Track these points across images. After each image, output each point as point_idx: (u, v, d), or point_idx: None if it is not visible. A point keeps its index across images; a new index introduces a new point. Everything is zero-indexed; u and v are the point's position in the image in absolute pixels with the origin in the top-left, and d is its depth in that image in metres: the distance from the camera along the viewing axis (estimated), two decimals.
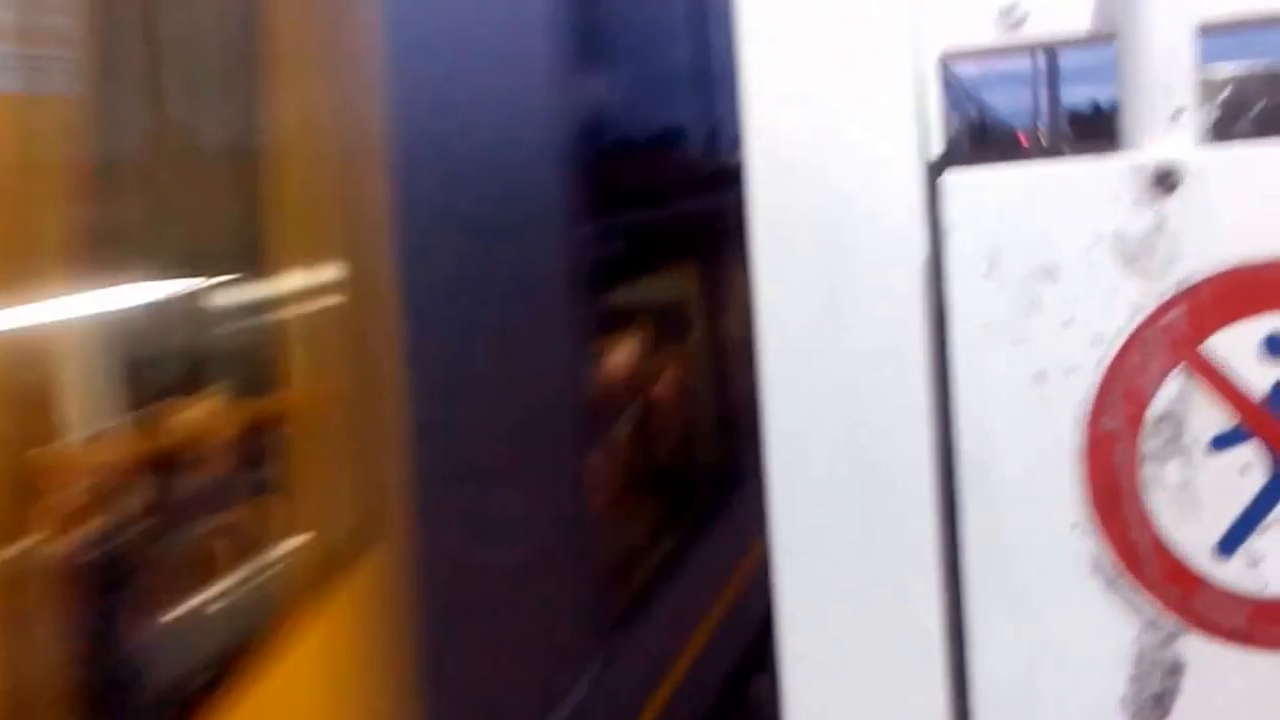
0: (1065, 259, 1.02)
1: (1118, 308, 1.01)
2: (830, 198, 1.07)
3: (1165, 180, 0.99)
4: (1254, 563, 1.02)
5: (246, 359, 2.24)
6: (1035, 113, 17.19)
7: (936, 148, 1.07)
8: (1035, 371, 1.03)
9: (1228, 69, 1.10)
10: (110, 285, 1.99)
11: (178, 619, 2.03)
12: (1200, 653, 1.04)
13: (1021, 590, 1.06)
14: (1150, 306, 1.01)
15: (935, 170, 1.05)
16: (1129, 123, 1.02)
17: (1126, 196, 1.00)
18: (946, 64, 1.09)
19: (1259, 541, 1.02)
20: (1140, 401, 1.02)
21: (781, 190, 1.08)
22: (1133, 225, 1.00)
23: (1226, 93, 1.09)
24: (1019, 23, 1.05)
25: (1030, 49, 1.10)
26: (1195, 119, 1.00)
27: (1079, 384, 1.03)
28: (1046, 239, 1.02)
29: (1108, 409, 1.03)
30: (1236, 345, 1.00)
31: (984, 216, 1.03)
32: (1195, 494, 1.02)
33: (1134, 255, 1.01)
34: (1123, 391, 1.02)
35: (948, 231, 1.03)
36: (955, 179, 1.03)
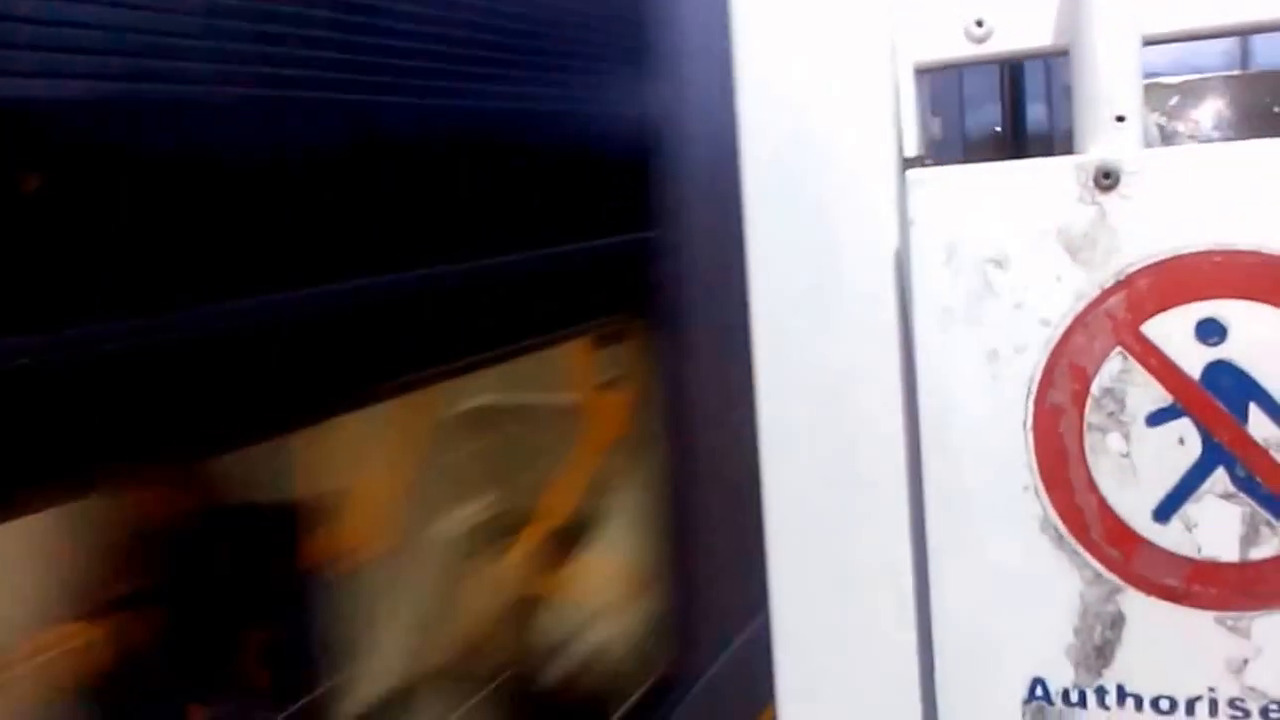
0: (1015, 249, 1.13)
1: (1063, 294, 1.12)
2: (816, 192, 1.21)
3: (1106, 179, 1.10)
4: (1189, 528, 1.12)
5: None
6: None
7: (911, 149, 1.19)
8: (988, 350, 1.15)
9: (1175, 79, 1.16)
10: None
11: None
12: (1139, 608, 1.14)
13: (979, 546, 1.18)
14: (1092, 293, 1.12)
15: (908, 169, 1.18)
16: (1077, 127, 1.13)
17: (1071, 194, 1.11)
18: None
19: (1193, 509, 1.12)
20: (1084, 379, 1.13)
21: (773, 185, 1.22)
22: (1076, 220, 1.11)
23: (1174, 99, 1.15)
24: (985, 38, 1.17)
25: (995, 61, 1.21)
26: (1136, 125, 1.11)
27: (1028, 362, 1.14)
28: (999, 231, 1.14)
29: (1054, 385, 1.14)
30: (1171, 329, 1.10)
31: (943, 210, 1.15)
32: (1135, 464, 1.13)
33: (1078, 247, 1.12)
34: (1068, 369, 1.13)
35: (911, 223, 1.16)
36: (917, 176, 1.15)
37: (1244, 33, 1.15)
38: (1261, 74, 1.24)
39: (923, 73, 1.20)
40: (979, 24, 1.17)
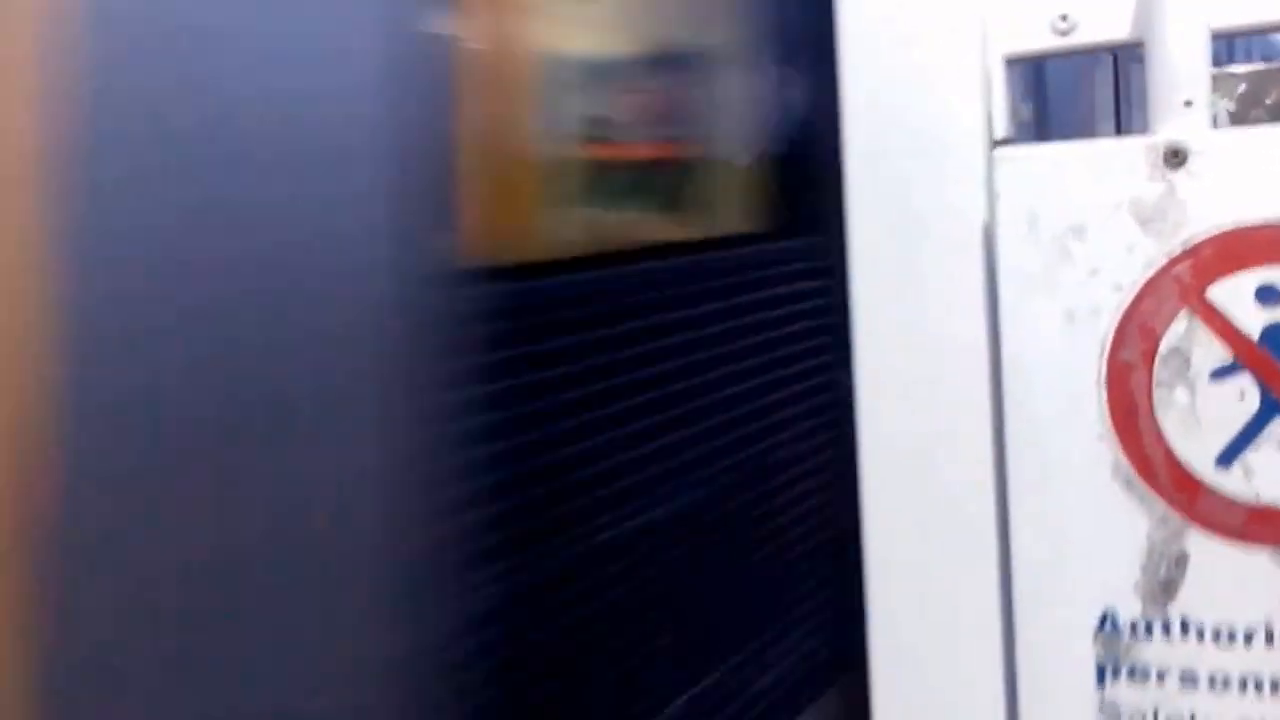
0: (1091, 221, 1.26)
1: (1134, 262, 1.25)
2: (913, 170, 1.34)
3: (1174, 158, 1.22)
4: (1248, 474, 1.24)
5: None
6: None
7: (1000, 131, 1.32)
8: (1066, 313, 1.28)
9: (1244, 69, 1.24)
10: None
11: None
12: (1202, 547, 1.26)
13: (1056, 491, 1.30)
14: (1161, 261, 1.24)
15: (997, 148, 1.31)
16: (1150, 110, 1.25)
17: (1143, 171, 1.24)
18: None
19: (1251, 457, 1.23)
20: (1153, 339, 1.25)
21: (873, 165, 1.35)
22: (1147, 194, 1.24)
23: (1242, 87, 1.23)
24: (1069, 31, 1.30)
25: (1077, 53, 1.33)
26: (1203, 109, 1.23)
27: (1102, 323, 1.26)
28: (1077, 204, 1.26)
29: (1126, 344, 1.26)
30: (1233, 294, 1.22)
31: (1026, 185, 1.28)
32: (1199, 416, 1.24)
33: (1148, 219, 1.24)
34: (1138, 330, 1.25)
35: (997, 196, 1.29)
36: (1004, 154, 1.29)
37: None
38: None
39: (1012, 62, 1.33)
40: (1063, 18, 1.30)
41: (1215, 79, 1.28)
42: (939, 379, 1.35)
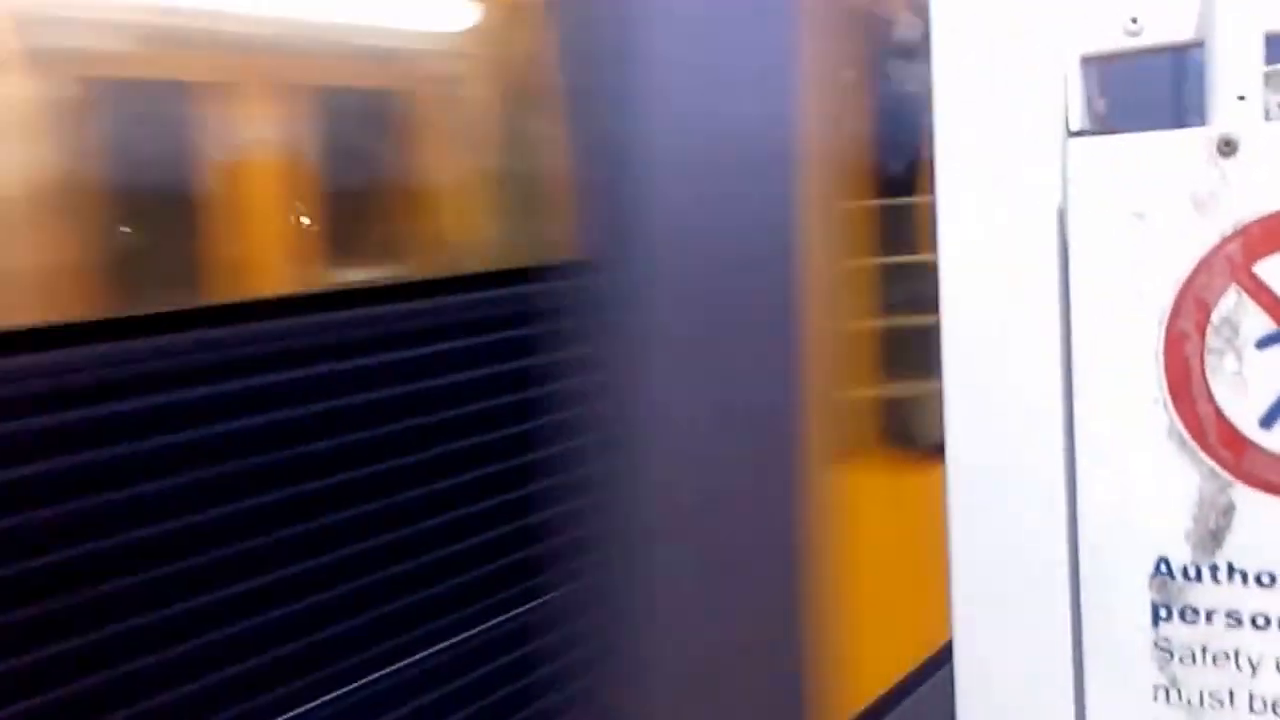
0: (1153, 204, 1.40)
1: (1191, 241, 1.38)
2: (996, 158, 1.50)
3: (1227, 147, 1.36)
4: None
5: None
6: None
7: (1075, 124, 1.47)
8: (1130, 288, 1.42)
9: None
10: None
11: None
12: (1247, 499, 1.39)
13: (1118, 447, 1.45)
14: (1214, 240, 1.37)
15: (1072, 139, 1.46)
16: (1207, 105, 1.38)
17: (1199, 159, 1.37)
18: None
19: None
20: (1206, 310, 1.39)
21: (961, 154, 1.51)
22: (1203, 180, 1.37)
23: None
24: (1139, 33, 1.44)
25: (1146, 53, 1.46)
26: (1255, 103, 1.36)
27: (1161, 297, 1.40)
28: (1140, 189, 1.40)
29: (1182, 315, 1.40)
30: (1278, 269, 1.35)
31: (1096, 172, 1.42)
32: (1246, 380, 1.38)
33: (1203, 202, 1.37)
34: (1193, 302, 1.39)
35: (1070, 182, 1.44)
36: (1075, 144, 1.43)
37: None
38: None
39: (1087, 61, 1.47)
40: (1134, 21, 1.44)
41: (1268, 75, 1.41)
42: (1019, 344, 1.50)
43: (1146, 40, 1.44)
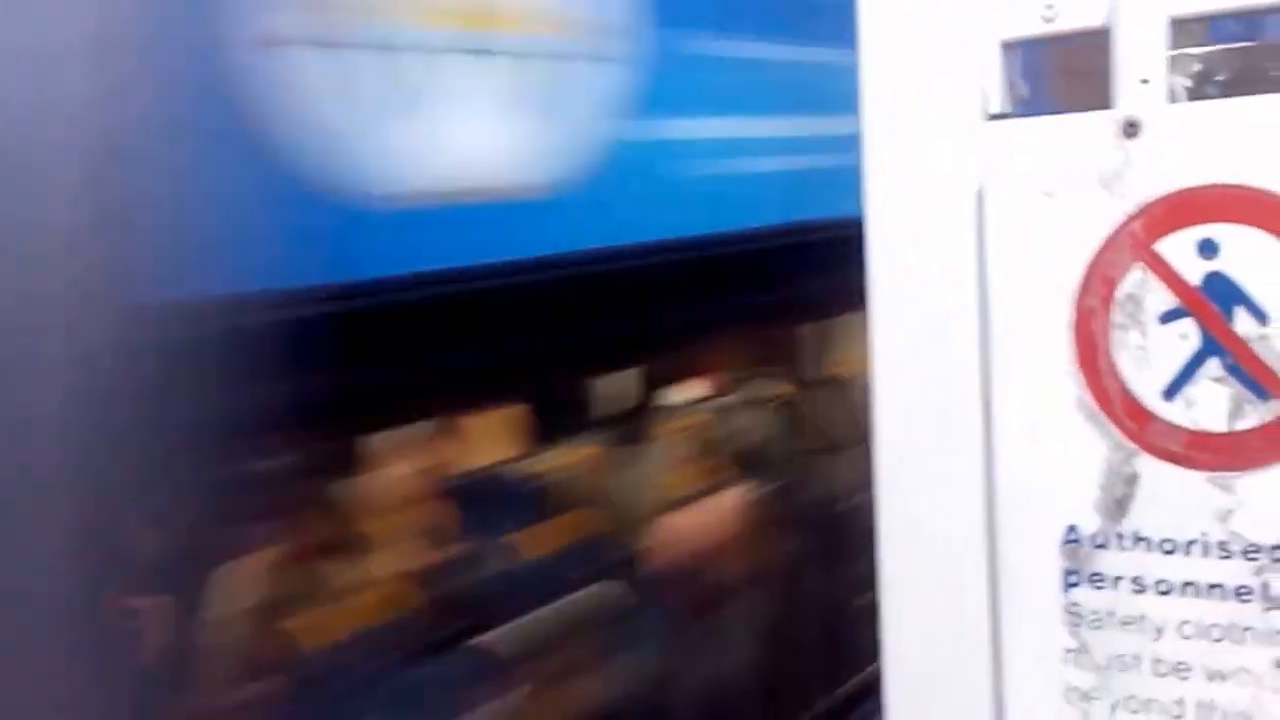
0: (1062, 184, 1.45)
1: (1097, 219, 1.44)
2: (921, 138, 1.55)
3: (1131, 129, 1.41)
4: (1188, 405, 1.42)
5: None
6: None
7: (995, 107, 1.53)
8: (1040, 264, 1.48)
9: (1199, 50, 1.35)
10: None
11: None
12: (1150, 469, 1.44)
13: (1031, 418, 1.50)
14: (1119, 219, 1.43)
15: (991, 121, 1.52)
16: (1114, 89, 1.44)
17: (1105, 140, 1.43)
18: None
19: (1192, 390, 1.41)
20: (1111, 286, 1.44)
21: (888, 134, 1.57)
22: (1108, 161, 1.43)
23: (1198, 67, 1.34)
24: (1053, 19, 1.49)
25: (1060, 37, 1.51)
26: (1158, 87, 1.41)
27: (1070, 273, 1.46)
28: (1050, 169, 1.46)
29: (1089, 291, 1.45)
30: (1178, 247, 1.40)
31: (1010, 153, 1.48)
32: (1149, 354, 1.43)
33: (1108, 182, 1.43)
34: (1099, 279, 1.45)
35: (985, 163, 1.49)
36: (990, 127, 1.49)
37: (1259, 12, 1.42)
38: (1265, 45, 1.50)
39: (1007, 46, 1.53)
40: (1049, 7, 1.49)
41: (1174, 59, 1.46)
42: (939, 318, 1.56)
43: (1061, 26, 1.49)
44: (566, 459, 3.62)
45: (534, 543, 3.44)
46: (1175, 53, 1.45)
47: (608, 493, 3.68)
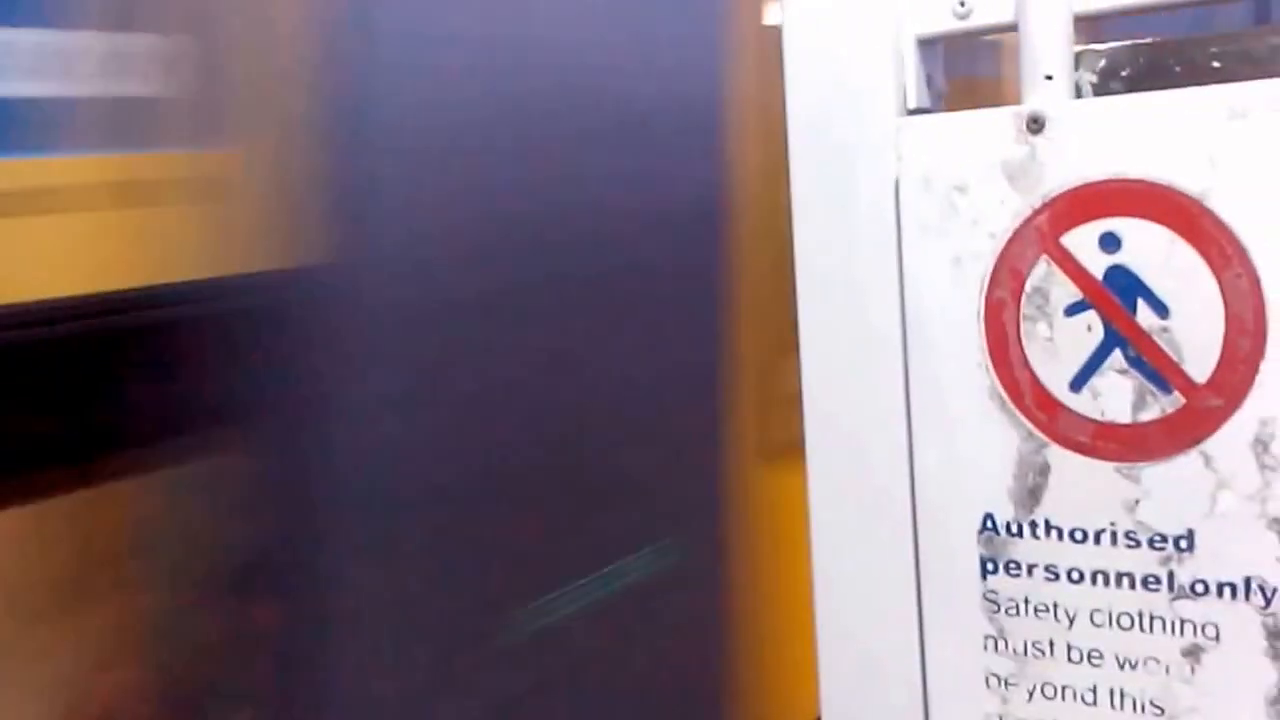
0: (972, 179, 1.48)
1: (1005, 213, 1.46)
2: (842, 134, 1.58)
3: (1035, 125, 1.43)
4: (1095, 396, 1.44)
5: None
6: None
7: (913, 102, 1.55)
8: (953, 257, 1.50)
9: (1104, 46, 1.34)
10: None
11: None
12: (1060, 459, 1.46)
13: (947, 408, 1.53)
14: (1026, 213, 1.45)
15: (908, 116, 1.54)
16: (1020, 84, 1.45)
17: (1011, 135, 1.45)
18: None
19: (1098, 381, 1.43)
20: (1019, 279, 1.46)
21: (810, 129, 1.60)
22: (1014, 156, 1.45)
23: (1103, 63, 1.34)
24: (966, 15, 1.51)
25: (973, 34, 1.53)
26: (1062, 83, 1.43)
27: (980, 266, 1.48)
28: (960, 164, 1.48)
29: (999, 283, 1.47)
30: (1082, 241, 1.42)
31: (922, 148, 1.50)
32: (1056, 346, 1.45)
33: (1015, 176, 1.45)
34: (1008, 271, 1.47)
35: (900, 158, 1.52)
36: (905, 122, 1.51)
37: (1162, 10, 1.43)
38: (1169, 40, 1.50)
39: (923, 42, 1.55)
40: (962, 4, 1.51)
41: (1081, 55, 1.47)
42: (862, 312, 1.59)
43: (974, 22, 1.51)
44: None
45: None
46: (1081, 49, 1.47)
47: None
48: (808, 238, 1.62)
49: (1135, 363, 1.41)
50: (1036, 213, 1.44)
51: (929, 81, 1.57)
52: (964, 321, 1.50)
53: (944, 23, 1.53)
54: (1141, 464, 1.42)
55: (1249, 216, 1.33)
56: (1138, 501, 1.42)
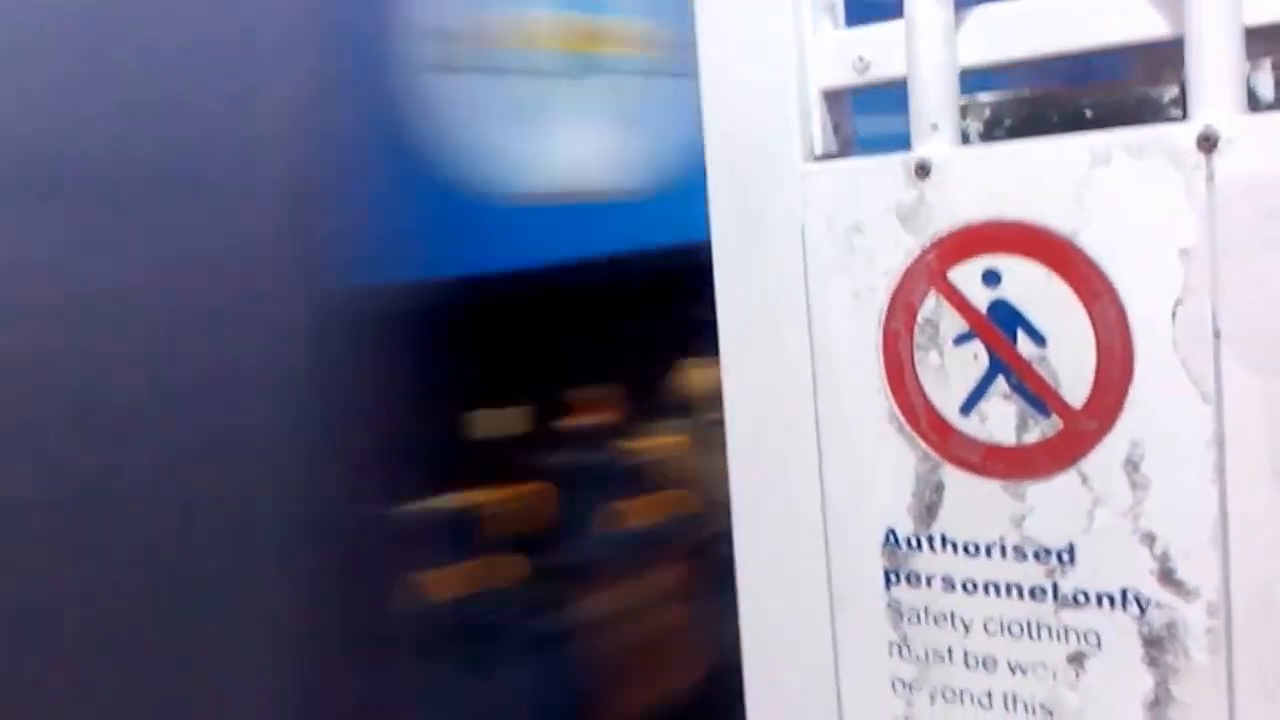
0: (868, 220, 1.60)
1: (898, 251, 1.58)
2: (755, 178, 1.70)
3: (922, 170, 1.55)
4: (982, 420, 1.55)
5: None
6: None
7: (819, 149, 1.67)
8: (854, 291, 1.62)
9: (990, 96, 1.45)
10: None
11: None
12: (953, 478, 1.58)
13: (852, 431, 1.65)
14: (916, 251, 1.57)
15: (814, 163, 1.67)
16: (911, 132, 1.57)
17: (902, 180, 1.57)
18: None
19: (984, 406, 1.55)
20: (912, 311, 1.58)
21: (726, 172, 1.72)
22: (905, 199, 1.57)
23: (988, 113, 1.44)
24: (865, 70, 1.63)
25: (872, 86, 1.65)
26: (947, 132, 1.55)
27: (878, 300, 1.60)
28: (858, 206, 1.60)
29: (894, 316, 1.59)
30: (967, 276, 1.54)
31: (824, 192, 1.63)
32: (947, 373, 1.57)
33: (906, 218, 1.57)
34: (902, 304, 1.59)
35: (805, 202, 1.64)
36: (809, 168, 1.64)
37: (1042, 58, 1.55)
38: (1045, 92, 1.62)
39: (828, 94, 1.67)
40: (860, 59, 1.63)
41: (968, 106, 1.59)
42: (777, 342, 1.71)
43: (872, 76, 1.64)
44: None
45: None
46: (966, 100, 1.59)
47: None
48: (726, 271, 1.74)
49: (1018, 389, 1.52)
50: (926, 251, 1.56)
51: (835, 129, 1.69)
52: (865, 351, 1.62)
53: (846, 76, 1.65)
54: (1026, 482, 1.53)
55: (1114, 253, 1.45)
56: (1024, 517, 1.54)
